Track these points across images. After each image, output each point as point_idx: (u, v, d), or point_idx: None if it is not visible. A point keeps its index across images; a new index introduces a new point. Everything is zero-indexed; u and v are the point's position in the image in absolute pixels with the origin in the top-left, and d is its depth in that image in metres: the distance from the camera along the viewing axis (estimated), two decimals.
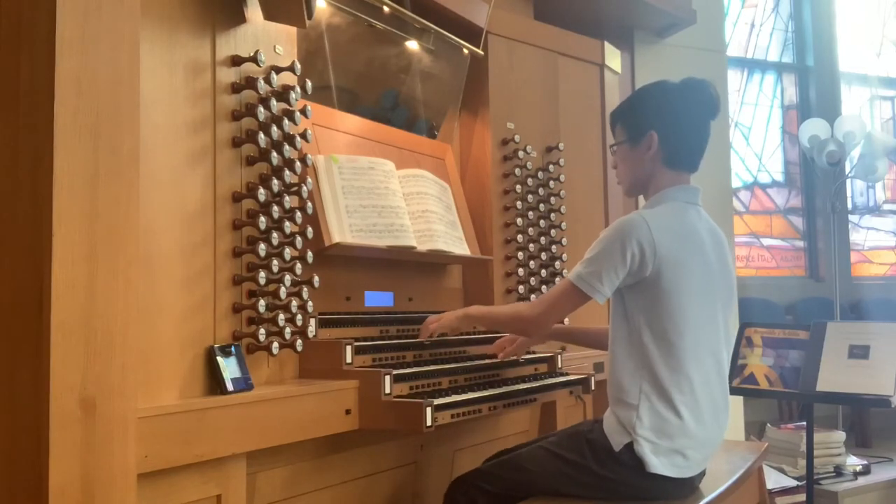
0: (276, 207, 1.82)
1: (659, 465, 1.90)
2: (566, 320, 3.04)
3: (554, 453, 2.03)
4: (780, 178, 6.62)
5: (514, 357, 2.49)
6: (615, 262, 1.93)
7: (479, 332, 2.59)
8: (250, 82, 1.80)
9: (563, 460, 2.00)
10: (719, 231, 2.12)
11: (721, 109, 2.10)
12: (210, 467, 1.60)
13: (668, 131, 2.06)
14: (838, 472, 4.14)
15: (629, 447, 1.92)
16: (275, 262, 1.80)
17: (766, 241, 6.48)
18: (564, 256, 3.08)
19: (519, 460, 2.08)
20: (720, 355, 2.03)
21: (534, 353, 2.67)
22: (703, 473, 2.07)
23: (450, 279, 2.80)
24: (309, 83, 1.96)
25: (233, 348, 1.71)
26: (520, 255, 2.92)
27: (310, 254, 1.91)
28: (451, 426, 2.11)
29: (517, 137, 2.99)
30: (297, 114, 1.93)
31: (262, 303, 1.76)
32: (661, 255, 1.92)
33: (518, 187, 2.96)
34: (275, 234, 1.81)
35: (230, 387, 1.66)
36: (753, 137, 6.56)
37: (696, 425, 1.93)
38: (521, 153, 2.98)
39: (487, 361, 2.40)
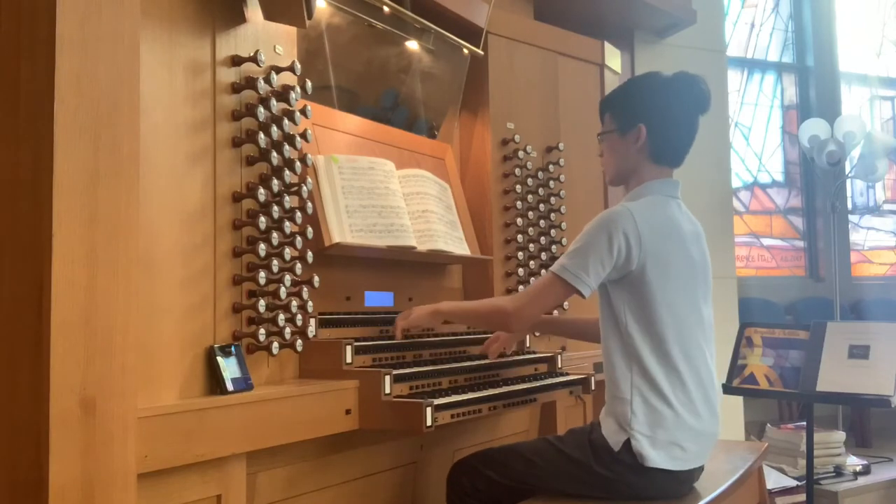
0: (276, 207, 1.82)
1: (657, 457, 1.91)
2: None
3: (557, 448, 2.04)
4: (780, 178, 6.62)
5: (511, 351, 2.48)
6: (601, 253, 1.93)
7: (479, 332, 2.59)
8: (250, 82, 1.80)
9: (565, 457, 2.02)
10: (698, 224, 2.15)
11: (711, 105, 2.11)
12: (210, 467, 1.60)
13: (657, 126, 2.07)
14: (838, 472, 4.14)
15: (627, 444, 1.93)
16: (275, 262, 1.80)
17: (766, 241, 6.48)
18: None
19: (523, 451, 2.09)
20: (706, 347, 2.04)
21: (534, 352, 2.67)
22: (701, 470, 2.07)
23: (450, 279, 2.80)
24: (309, 83, 1.97)
25: (233, 348, 1.71)
26: (520, 255, 2.92)
27: (310, 254, 1.91)
28: (451, 426, 2.11)
29: (517, 137, 2.99)
30: (297, 114, 1.93)
31: (262, 303, 1.76)
32: (646, 248, 1.94)
33: (518, 187, 2.96)
34: (275, 234, 1.81)
35: (230, 387, 1.66)
36: (753, 137, 6.56)
37: (689, 416, 1.95)
38: (521, 153, 2.98)
39: (487, 361, 2.40)
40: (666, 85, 2.10)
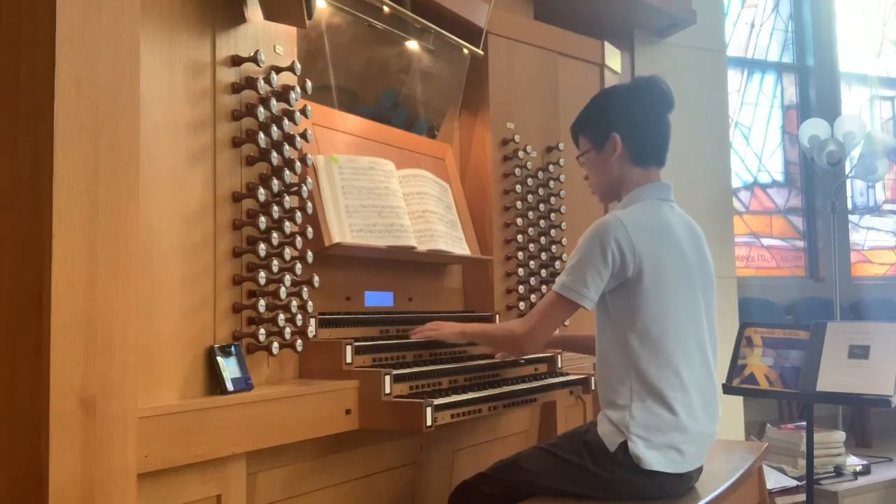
0: (276, 207, 1.82)
1: (654, 460, 1.91)
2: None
3: (552, 454, 2.04)
4: (780, 178, 6.61)
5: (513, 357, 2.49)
6: (597, 265, 1.95)
7: None
8: (250, 82, 1.80)
9: (560, 460, 2.01)
10: (695, 224, 2.15)
11: (675, 102, 2.12)
12: (210, 467, 1.60)
13: (629, 130, 2.10)
14: (838, 472, 4.14)
15: (623, 446, 1.92)
16: (275, 262, 1.80)
17: (766, 241, 6.47)
18: (564, 256, 3.08)
19: (518, 461, 2.09)
20: (706, 348, 2.04)
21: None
22: (700, 470, 2.07)
23: (450, 279, 2.80)
24: (309, 83, 1.97)
25: (233, 348, 1.71)
26: (520, 255, 2.92)
27: (310, 254, 1.91)
28: (450, 426, 2.11)
29: (517, 137, 2.99)
30: (297, 114, 1.93)
31: (262, 303, 1.76)
32: (640, 255, 1.95)
33: (518, 187, 2.96)
34: (275, 234, 1.81)
35: (230, 387, 1.66)
36: (753, 137, 6.56)
37: (688, 420, 1.94)
38: (521, 153, 2.98)
39: (487, 361, 2.40)
40: (627, 92, 2.16)
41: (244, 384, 1.70)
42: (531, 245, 2.97)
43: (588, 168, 2.21)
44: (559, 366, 2.68)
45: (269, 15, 1.86)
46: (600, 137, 2.13)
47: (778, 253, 6.50)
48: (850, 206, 6.67)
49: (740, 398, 4.41)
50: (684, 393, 1.95)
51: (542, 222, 3.05)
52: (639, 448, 1.90)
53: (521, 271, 2.92)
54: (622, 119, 2.10)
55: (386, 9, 2.46)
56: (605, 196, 2.23)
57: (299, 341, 1.85)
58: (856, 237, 6.81)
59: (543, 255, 3.02)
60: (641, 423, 1.92)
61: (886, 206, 7.02)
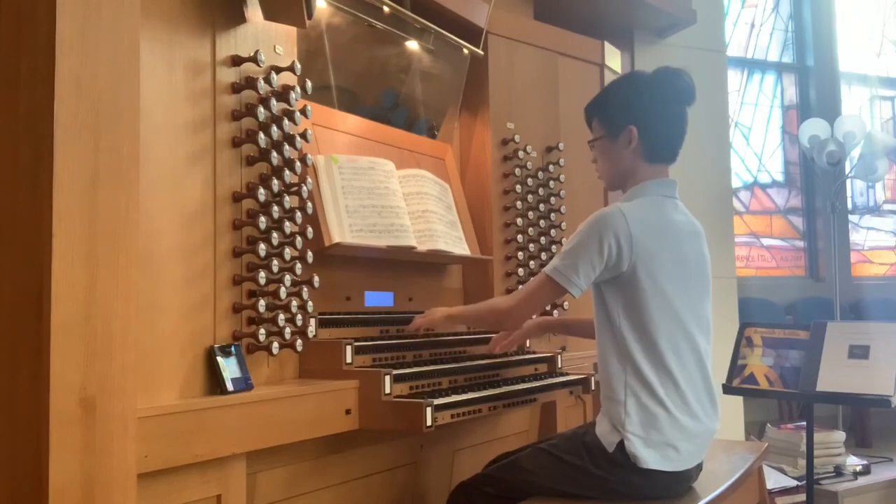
0: (276, 207, 1.82)
1: (651, 458, 1.90)
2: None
3: (552, 454, 2.04)
4: (780, 178, 6.62)
5: (511, 351, 2.50)
6: (592, 254, 1.94)
7: (479, 332, 2.59)
8: (250, 82, 1.80)
9: (560, 461, 2.01)
10: (697, 223, 2.12)
11: (696, 96, 2.08)
12: (210, 467, 1.60)
13: (647, 124, 2.05)
14: (838, 472, 4.14)
15: (621, 446, 1.92)
16: (275, 262, 1.80)
17: (766, 241, 6.48)
18: None
19: (518, 462, 2.09)
20: (700, 348, 2.02)
21: (534, 352, 2.67)
22: (699, 468, 2.07)
23: (450, 279, 2.80)
24: (309, 83, 1.97)
25: (233, 348, 1.71)
26: (520, 255, 2.93)
27: (310, 254, 1.91)
28: (450, 426, 2.11)
29: (517, 137, 2.99)
30: (297, 114, 1.93)
31: (262, 303, 1.76)
32: (638, 249, 1.93)
33: (518, 187, 2.96)
34: (275, 234, 1.81)
35: (230, 387, 1.66)
36: (753, 137, 6.56)
37: (683, 417, 1.94)
38: (521, 153, 2.98)
39: (487, 361, 2.40)
40: (650, 82, 2.09)
41: (244, 384, 1.70)
42: (531, 245, 2.97)
43: (598, 154, 2.16)
44: (559, 366, 2.68)
45: (269, 15, 1.86)
46: (616, 126, 2.08)
47: (778, 253, 6.50)
48: (850, 206, 6.68)
49: (740, 398, 4.41)
50: (677, 391, 1.94)
51: (542, 222, 3.05)
52: (636, 446, 1.90)
53: (521, 271, 2.92)
54: (642, 113, 2.05)
55: (386, 9, 2.46)
56: (611, 184, 2.18)
57: (299, 341, 1.85)
58: (856, 237, 6.81)
59: (543, 256, 3.02)
60: (637, 422, 1.92)
61: (886, 206, 7.02)
